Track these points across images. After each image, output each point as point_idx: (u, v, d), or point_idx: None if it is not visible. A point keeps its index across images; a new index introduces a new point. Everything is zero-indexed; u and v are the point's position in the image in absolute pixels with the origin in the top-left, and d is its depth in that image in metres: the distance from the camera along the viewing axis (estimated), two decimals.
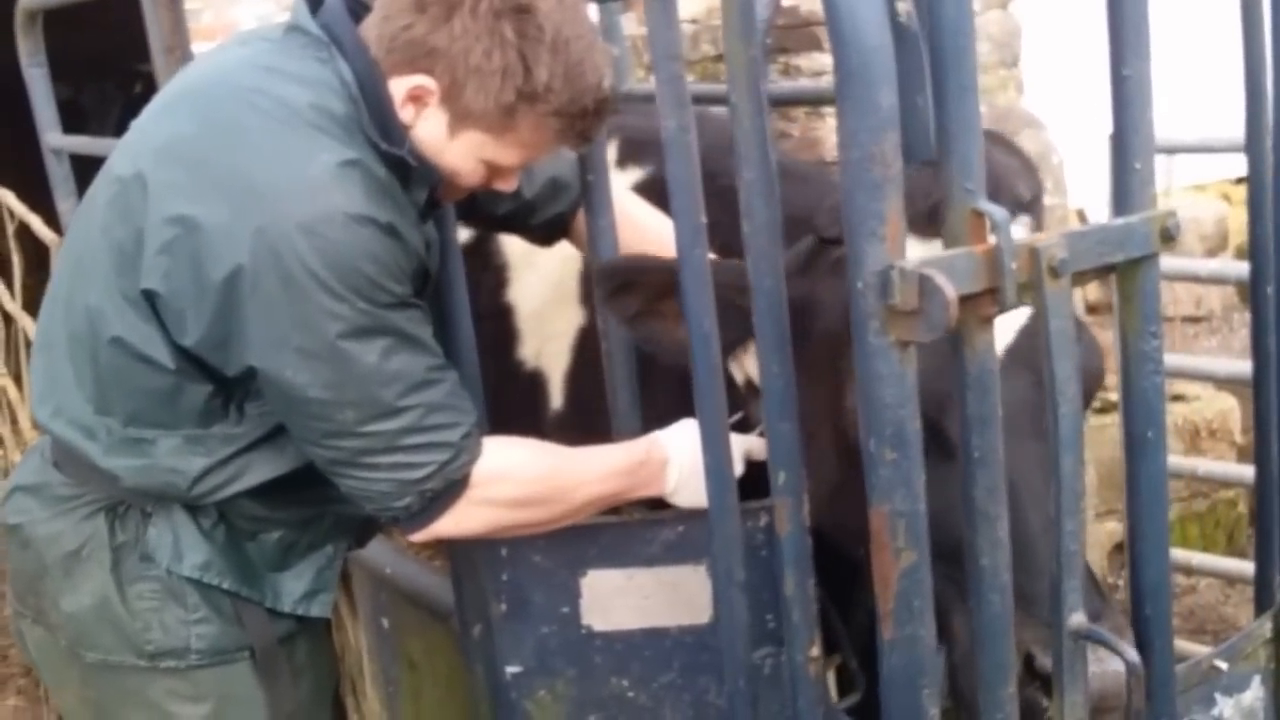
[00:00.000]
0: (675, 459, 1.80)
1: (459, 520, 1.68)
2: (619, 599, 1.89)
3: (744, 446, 1.90)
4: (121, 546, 1.73)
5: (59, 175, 3.23)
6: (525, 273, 2.40)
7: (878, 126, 1.29)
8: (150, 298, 1.60)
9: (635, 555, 1.87)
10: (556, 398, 2.34)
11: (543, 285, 2.37)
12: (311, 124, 1.58)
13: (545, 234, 2.09)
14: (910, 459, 1.35)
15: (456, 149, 1.66)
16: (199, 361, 1.63)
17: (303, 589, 1.80)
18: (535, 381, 2.34)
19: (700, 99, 1.82)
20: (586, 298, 2.30)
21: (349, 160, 1.56)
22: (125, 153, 1.68)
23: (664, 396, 1.96)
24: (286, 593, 1.79)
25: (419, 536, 1.70)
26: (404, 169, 1.64)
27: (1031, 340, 1.63)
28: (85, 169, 2.78)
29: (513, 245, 2.41)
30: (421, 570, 2.25)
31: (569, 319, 2.34)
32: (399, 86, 1.62)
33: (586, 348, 2.32)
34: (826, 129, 4.06)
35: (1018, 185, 1.68)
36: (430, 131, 1.64)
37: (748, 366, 1.86)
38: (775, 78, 4.05)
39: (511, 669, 1.91)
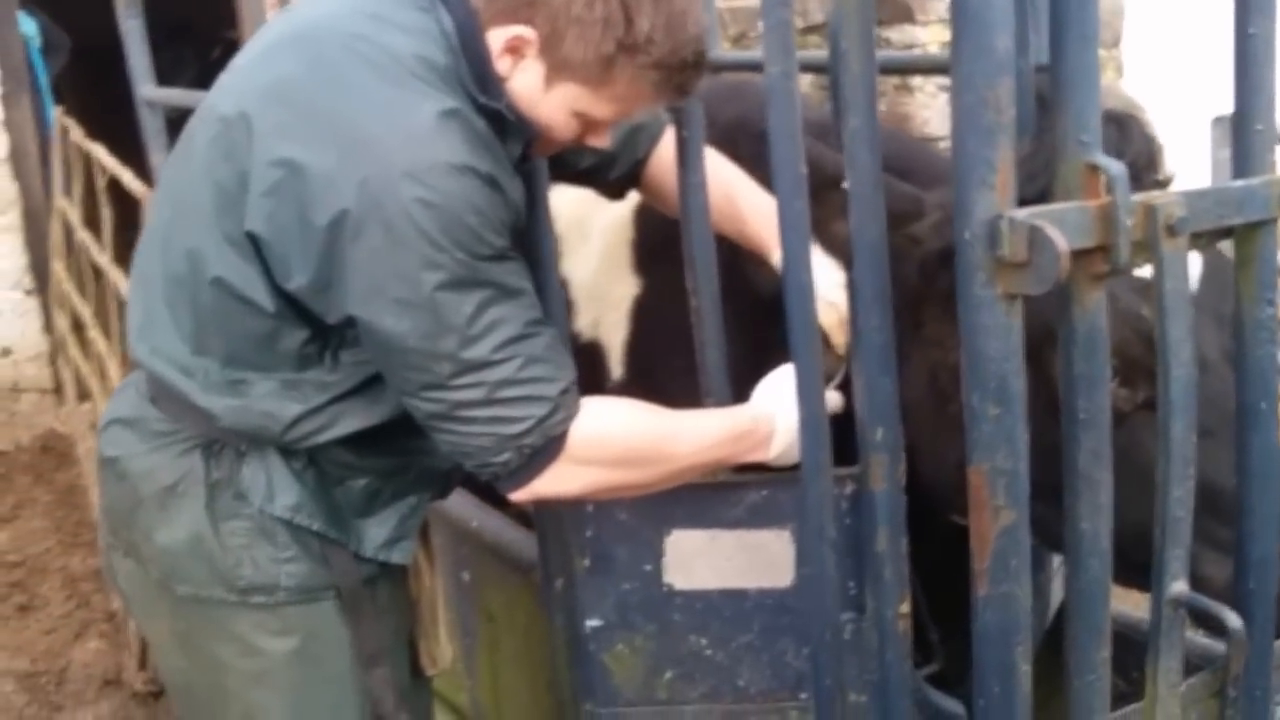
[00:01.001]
0: (781, 428, 1.77)
1: (558, 479, 1.66)
2: (701, 559, 1.88)
3: (833, 404, 1.87)
4: (216, 484, 1.74)
5: (153, 128, 3.24)
6: (578, 244, 2.39)
7: (993, 70, 1.25)
8: (254, 239, 1.60)
9: (719, 517, 1.87)
10: (616, 368, 2.33)
11: (595, 256, 2.36)
12: (415, 74, 1.57)
13: (620, 186, 2.08)
14: (1013, 415, 1.32)
15: (551, 102, 1.64)
16: (298, 306, 1.63)
17: (385, 535, 1.80)
18: (594, 352, 2.33)
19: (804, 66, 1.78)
20: (639, 266, 2.29)
21: (450, 110, 1.55)
22: (227, 93, 1.68)
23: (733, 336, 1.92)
24: (370, 538, 1.79)
25: (519, 496, 1.67)
26: (500, 122, 1.63)
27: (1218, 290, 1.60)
28: (175, 126, 2.82)
29: (563, 217, 2.40)
30: (506, 524, 2.25)
31: (624, 289, 2.32)
32: (497, 37, 1.61)
33: (643, 317, 2.32)
34: (915, 104, 4.00)
35: None
36: (526, 83, 1.63)
37: None
38: None
39: (591, 622, 1.91)
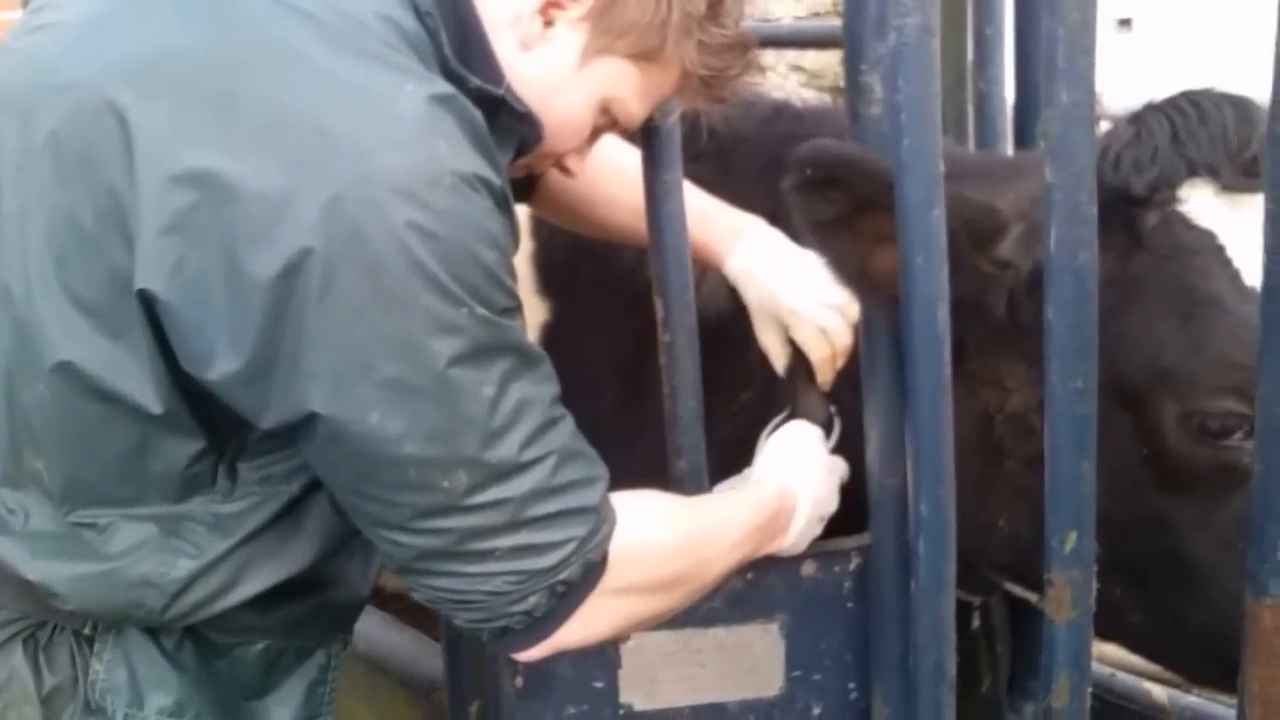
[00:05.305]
0: (803, 507, 1.41)
1: (589, 622, 1.18)
2: (668, 668, 1.55)
3: (839, 474, 1.50)
4: (55, 695, 1.17)
5: None
6: None
7: None
8: (148, 303, 1.05)
9: (690, 612, 1.50)
10: None
11: None
12: (384, 41, 1.08)
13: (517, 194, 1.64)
14: None
15: (584, 85, 1.20)
16: (204, 403, 1.09)
17: (291, 719, 1.28)
18: None
19: None
20: (545, 288, 1.93)
21: (444, 96, 1.06)
22: (59, 66, 1.09)
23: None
24: None
25: (535, 654, 1.19)
26: (490, 118, 1.14)
27: None
28: None
29: None
30: (388, 626, 1.75)
31: (530, 314, 1.92)
32: None
33: (554, 346, 1.94)
34: (767, 85, 3.67)
35: None
36: (553, 57, 1.18)
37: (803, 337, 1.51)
38: None
39: None
